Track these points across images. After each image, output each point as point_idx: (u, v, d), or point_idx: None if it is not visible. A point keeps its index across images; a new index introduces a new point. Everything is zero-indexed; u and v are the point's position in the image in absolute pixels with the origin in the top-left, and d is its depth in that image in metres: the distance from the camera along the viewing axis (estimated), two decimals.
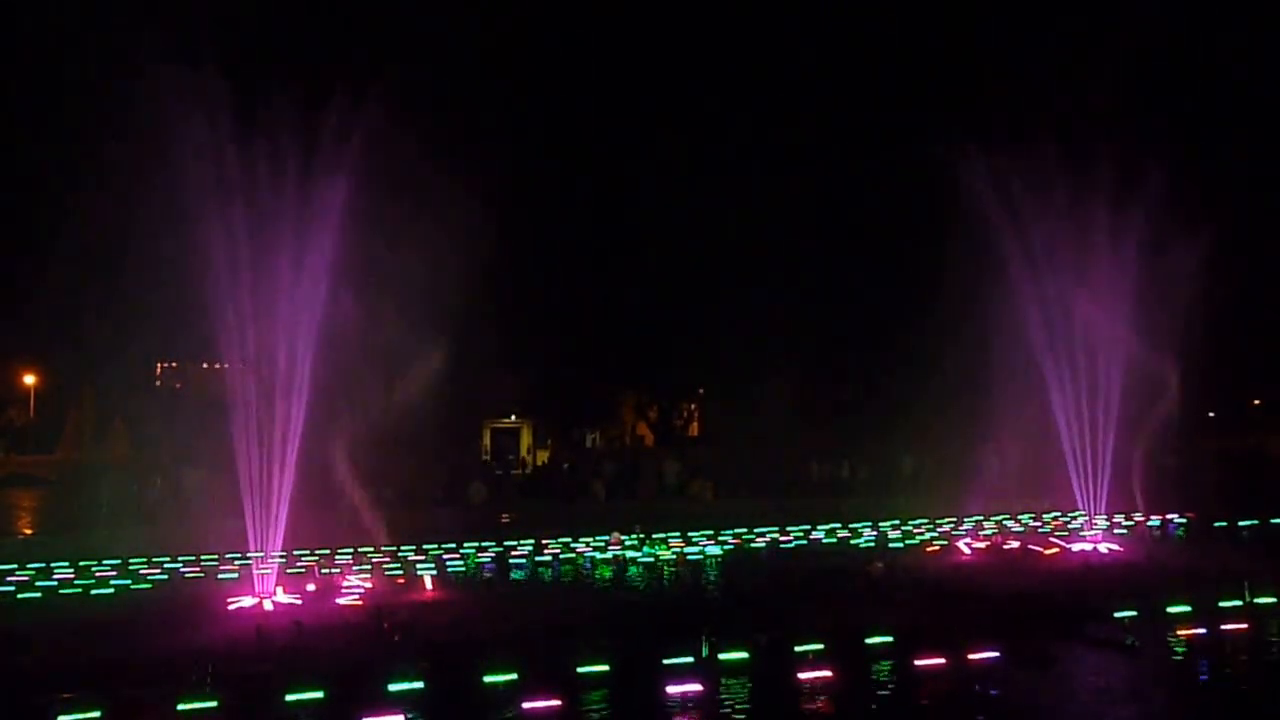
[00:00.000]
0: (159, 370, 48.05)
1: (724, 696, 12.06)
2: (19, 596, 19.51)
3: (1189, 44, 42.45)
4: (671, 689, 11.93)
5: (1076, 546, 23.54)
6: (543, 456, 50.69)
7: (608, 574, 22.13)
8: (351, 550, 22.86)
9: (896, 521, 26.91)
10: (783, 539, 25.57)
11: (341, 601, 18.09)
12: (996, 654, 13.40)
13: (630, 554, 23.87)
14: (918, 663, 13.23)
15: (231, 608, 17.68)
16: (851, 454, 37.87)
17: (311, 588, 19.33)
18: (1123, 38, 40.18)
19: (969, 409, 27.78)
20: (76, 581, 20.60)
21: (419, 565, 21.82)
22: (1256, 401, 51.59)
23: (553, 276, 42.88)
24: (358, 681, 12.48)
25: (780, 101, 40.66)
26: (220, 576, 20.65)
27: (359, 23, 39.56)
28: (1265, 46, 42.52)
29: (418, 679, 12.30)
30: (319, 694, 11.92)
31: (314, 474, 20.45)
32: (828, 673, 12.56)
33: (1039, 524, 26.82)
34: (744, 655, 13.19)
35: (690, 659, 12.96)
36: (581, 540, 24.74)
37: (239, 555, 20.65)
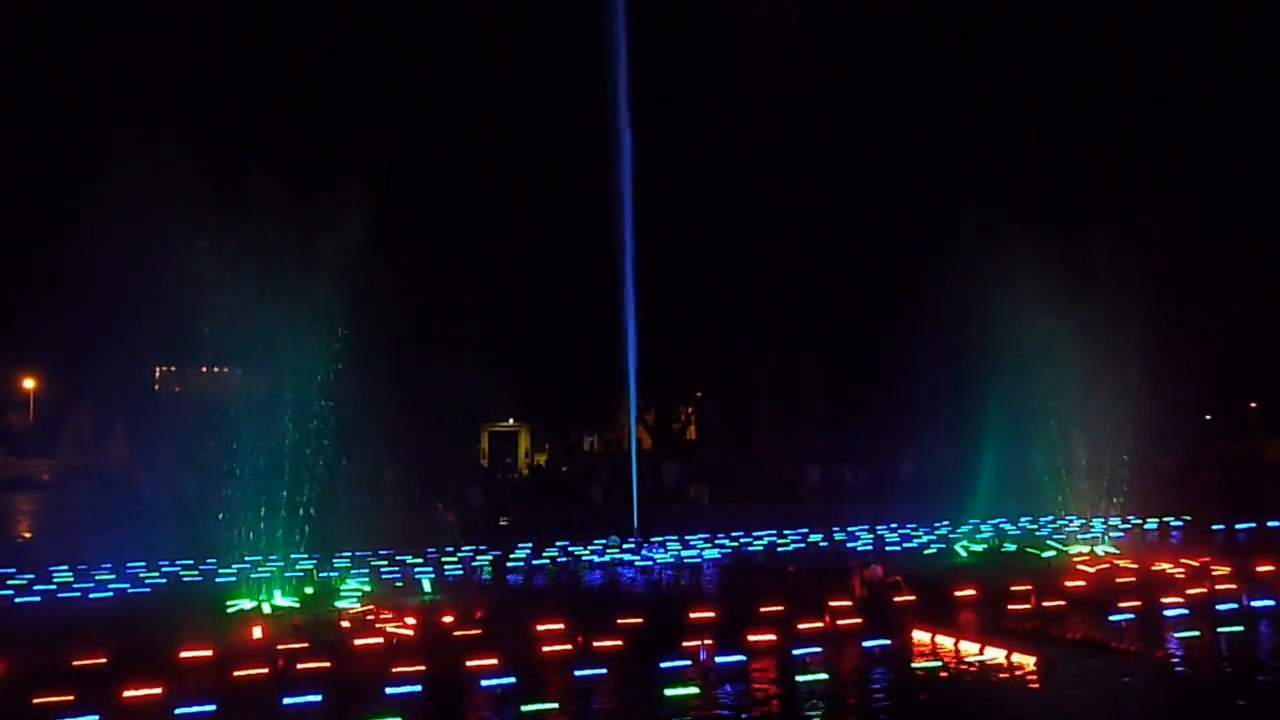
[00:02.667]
0: (157, 374, 48.08)
1: (721, 700, 12.08)
2: (18, 600, 19.55)
3: (1185, 50, 42.55)
4: (669, 692, 11.95)
5: (1074, 549, 23.59)
6: (540, 459, 50.77)
7: (605, 578, 22.16)
8: (350, 554, 22.91)
9: (894, 525, 26.97)
10: (780, 542, 25.61)
11: (340, 605, 18.10)
12: (994, 657, 13.45)
13: (627, 558, 23.90)
14: (914, 665, 13.29)
15: (230, 611, 17.71)
16: (850, 457, 37.94)
17: (310, 591, 19.36)
18: (1118, 48, 40.27)
19: (967, 412, 27.85)
20: (76, 585, 20.62)
21: (416, 569, 21.84)
22: (1254, 404, 51.55)
23: (551, 279, 42.88)
24: (356, 685, 12.53)
25: (780, 106, 40.72)
26: (218, 580, 20.67)
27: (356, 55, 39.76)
28: (1261, 55, 42.60)
29: (416, 683, 12.34)
30: (317, 697, 11.94)
31: (314, 477, 20.49)
32: (824, 676, 12.60)
33: (1036, 527, 26.86)
34: (741, 658, 13.23)
35: (688, 662, 13.01)
36: (579, 544, 24.78)
37: (238, 559, 20.70)
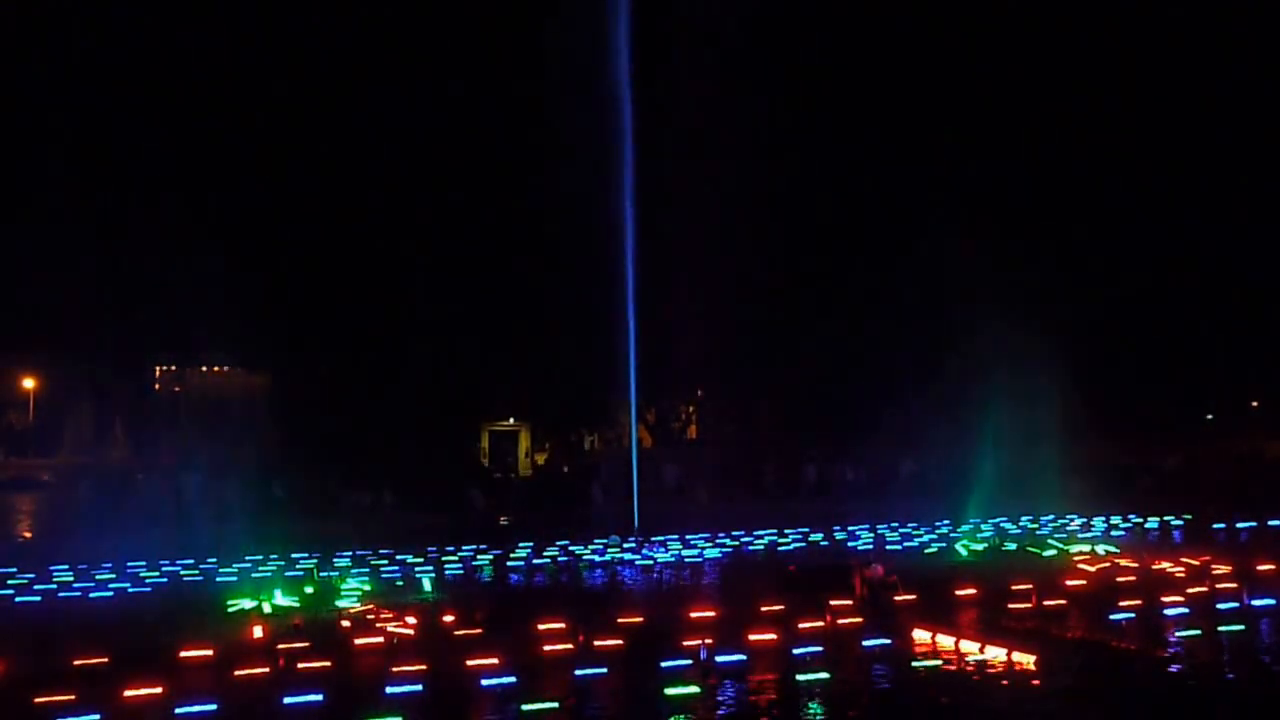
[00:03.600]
0: (157, 374, 48.12)
1: (721, 700, 12.07)
2: (18, 600, 19.54)
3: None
4: (669, 691, 11.94)
5: (1074, 549, 23.55)
6: (540, 459, 50.77)
7: (605, 577, 22.14)
8: (350, 554, 22.91)
9: (895, 524, 26.96)
10: (780, 542, 25.59)
11: (341, 605, 18.10)
12: (994, 657, 13.44)
13: (627, 557, 23.89)
14: (915, 664, 13.28)
15: (231, 610, 17.70)
16: (851, 457, 37.92)
17: (310, 590, 19.35)
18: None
19: (968, 413, 27.84)
20: (76, 585, 20.62)
21: (417, 569, 21.83)
22: (1255, 403, 51.62)
23: (551, 279, 42.89)
24: (356, 684, 12.52)
25: (784, 105, 40.75)
26: (219, 579, 20.67)
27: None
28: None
29: (416, 683, 12.33)
30: (317, 697, 11.93)
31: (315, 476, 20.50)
32: (825, 675, 12.59)
33: (1037, 526, 26.84)
34: (742, 658, 13.22)
35: (688, 662, 13.00)
36: (579, 543, 24.76)
37: (239, 558, 20.70)
